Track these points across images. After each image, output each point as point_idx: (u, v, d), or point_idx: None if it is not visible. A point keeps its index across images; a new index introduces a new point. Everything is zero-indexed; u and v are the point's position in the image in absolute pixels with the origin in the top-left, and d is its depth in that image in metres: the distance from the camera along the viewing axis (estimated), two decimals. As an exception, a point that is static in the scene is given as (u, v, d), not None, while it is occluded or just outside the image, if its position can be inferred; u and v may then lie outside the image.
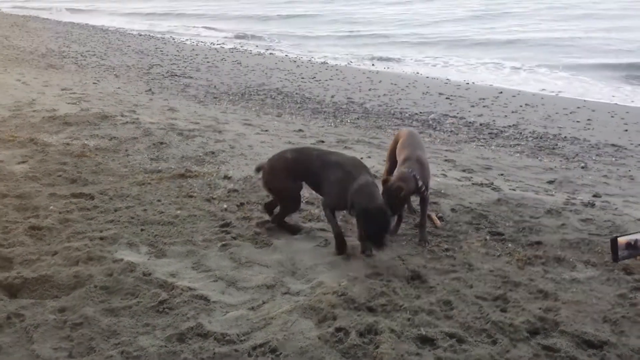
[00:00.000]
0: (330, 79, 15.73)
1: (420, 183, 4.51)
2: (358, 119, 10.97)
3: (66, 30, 26.11)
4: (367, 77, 16.19)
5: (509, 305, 3.62)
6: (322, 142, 8.02)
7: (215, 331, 3.18)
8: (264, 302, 3.56)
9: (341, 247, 4.26)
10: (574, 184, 6.76)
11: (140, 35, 27.08)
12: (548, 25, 26.69)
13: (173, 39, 26.35)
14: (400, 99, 13.11)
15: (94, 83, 12.29)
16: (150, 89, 12.38)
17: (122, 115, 8.37)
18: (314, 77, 15.93)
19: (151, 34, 27.91)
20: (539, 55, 19.74)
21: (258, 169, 4.74)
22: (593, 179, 7.12)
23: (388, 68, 19.30)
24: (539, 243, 4.68)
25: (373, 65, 20.03)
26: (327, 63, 19.66)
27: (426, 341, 3.19)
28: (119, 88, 11.94)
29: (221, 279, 3.83)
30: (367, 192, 4.11)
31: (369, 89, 14.32)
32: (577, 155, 8.69)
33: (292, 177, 4.52)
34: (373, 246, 4.15)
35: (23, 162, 6.13)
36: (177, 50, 20.98)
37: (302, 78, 15.74)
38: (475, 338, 3.25)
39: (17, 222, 4.51)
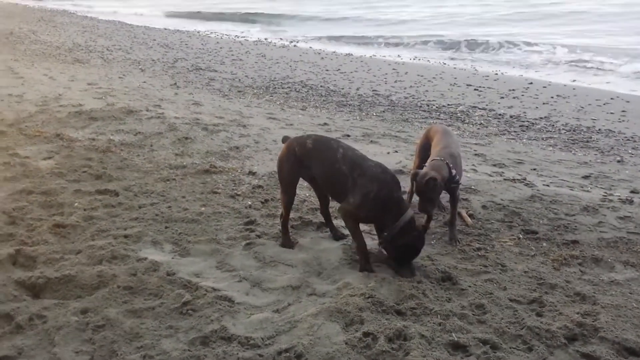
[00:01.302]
0: (355, 71, 15.54)
1: (454, 172, 4.33)
2: (384, 111, 10.78)
3: (92, 25, 26.37)
4: (393, 69, 15.96)
5: (545, 310, 3.47)
6: (348, 136, 7.89)
7: (239, 335, 3.10)
8: (289, 304, 3.46)
9: (368, 265, 3.92)
10: (611, 179, 6.50)
11: (166, 29, 27.20)
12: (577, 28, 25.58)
13: (198, 32, 26.39)
14: (427, 91, 12.87)
15: (119, 77, 12.33)
16: (175, 83, 12.38)
17: (147, 110, 8.36)
18: (339, 69, 15.76)
19: (177, 28, 28.00)
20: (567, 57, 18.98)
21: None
22: (630, 174, 6.84)
23: (415, 59, 19.00)
24: (575, 242, 4.50)
25: (399, 56, 19.75)
26: (351, 54, 19.45)
27: (458, 348, 3.06)
28: (144, 82, 11.95)
29: (245, 279, 3.75)
30: (412, 226, 3.86)
31: (395, 81, 14.09)
32: (612, 148, 8.38)
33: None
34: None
35: (49, 157, 6.13)
36: (202, 44, 20.99)
37: (327, 70, 15.58)
38: (510, 345, 3.11)
39: (42, 219, 4.49)
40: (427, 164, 4.39)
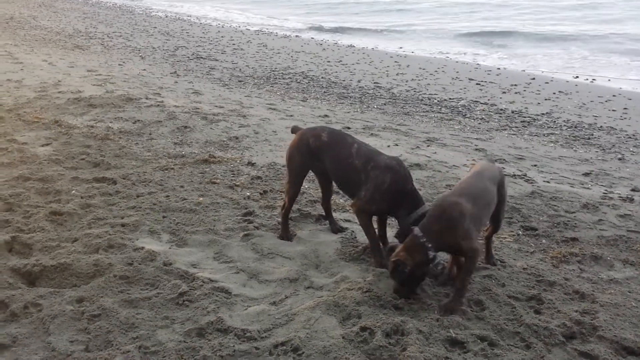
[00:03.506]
0: (357, 63, 15.46)
1: (431, 254, 3.28)
2: (385, 104, 10.73)
3: (93, 11, 26.20)
4: (395, 61, 15.88)
5: (544, 307, 3.45)
6: (348, 128, 7.84)
7: (235, 327, 3.07)
8: (286, 297, 3.44)
9: (383, 260, 3.76)
10: (611, 177, 6.47)
11: (167, 16, 27.04)
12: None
13: (199, 20, 26.24)
14: (428, 84, 12.81)
15: (119, 65, 12.26)
16: (175, 72, 12.30)
17: (146, 98, 8.30)
18: (340, 61, 15.68)
19: (178, 16, 27.82)
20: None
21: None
22: (631, 172, 6.81)
23: (414, 52, 18.91)
24: (574, 239, 4.47)
25: (401, 48, 19.66)
26: (353, 46, 19.35)
27: (456, 344, 3.03)
28: (144, 70, 11.88)
29: (243, 271, 3.72)
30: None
31: (397, 74, 14.03)
32: (613, 146, 8.35)
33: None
34: None
35: (47, 144, 6.10)
36: (203, 32, 20.87)
37: (328, 62, 15.50)
38: (508, 342, 3.09)
39: (39, 206, 4.45)
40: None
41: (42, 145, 6.02)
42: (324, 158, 4.04)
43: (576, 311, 3.40)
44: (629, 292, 3.71)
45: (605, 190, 5.82)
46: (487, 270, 3.86)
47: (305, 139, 4.10)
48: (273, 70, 13.72)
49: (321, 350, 2.90)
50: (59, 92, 8.44)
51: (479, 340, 3.05)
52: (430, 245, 3.28)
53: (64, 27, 19.09)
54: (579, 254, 4.21)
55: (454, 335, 3.07)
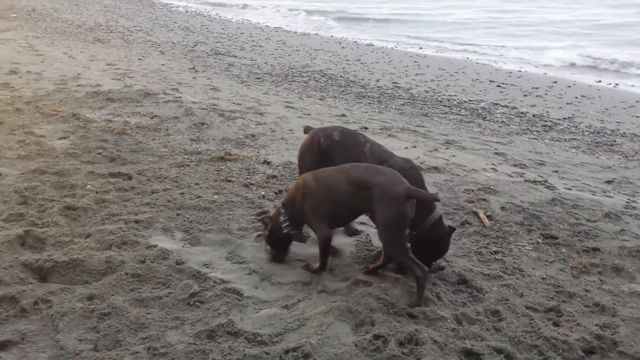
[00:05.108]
0: (376, 62, 15.33)
1: (282, 218, 3.73)
2: (403, 105, 10.61)
3: (114, 5, 26.34)
4: (415, 62, 15.73)
5: (563, 319, 3.35)
6: (366, 128, 7.76)
7: (246, 330, 3.02)
8: (298, 301, 3.37)
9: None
10: (634, 185, 6.31)
11: (187, 12, 27.11)
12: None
13: (219, 16, 26.26)
14: (448, 86, 12.66)
15: (139, 59, 12.28)
16: (194, 67, 12.29)
17: (164, 94, 8.29)
18: (359, 60, 15.57)
19: (198, 11, 27.88)
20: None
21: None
22: (655, 181, 6.65)
23: (436, 52, 18.73)
24: (595, 250, 4.35)
25: (421, 48, 19.48)
26: (373, 45, 19.22)
27: (471, 355, 2.96)
28: (163, 65, 11.89)
29: (255, 272, 3.66)
30: (442, 224, 3.72)
31: (416, 74, 13.89)
32: (636, 153, 8.16)
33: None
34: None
35: (64, 137, 6.10)
36: (223, 28, 20.88)
37: (347, 60, 15.39)
38: (525, 355, 3.01)
39: (54, 200, 4.44)
40: None
41: (60, 139, 6.03)
42: (335, 158, 3.97)
43: (596, 325, 3.30)
44: (652, 306, 3.60)
45: (628, 199, 5.67)
46: (505, 279, 3.77)
47: (317, 139, 4.05)
48: (291, 68, 13.66)
49: (333, 357, 2.84)
50: (78, 85, 8.46)
51: (495, 353, 2.98)
52: (284, 211, 3.70)
53: (85, 20, 19.22)
54: (600, 264, 4.10)
55: (469, 346, 2.99)
